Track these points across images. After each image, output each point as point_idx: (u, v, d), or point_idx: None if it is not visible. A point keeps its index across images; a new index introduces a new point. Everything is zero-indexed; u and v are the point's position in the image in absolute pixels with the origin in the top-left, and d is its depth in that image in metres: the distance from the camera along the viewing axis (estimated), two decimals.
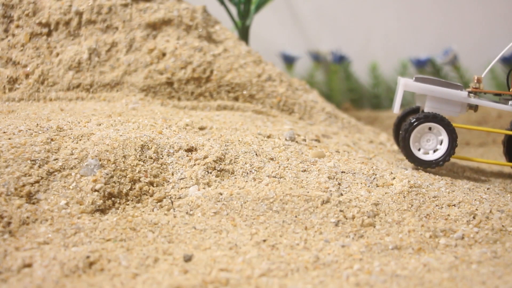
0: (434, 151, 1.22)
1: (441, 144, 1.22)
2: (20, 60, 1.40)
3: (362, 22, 2.37)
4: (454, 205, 1.04)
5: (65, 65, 1.40)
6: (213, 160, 1.08)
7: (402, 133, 1.21)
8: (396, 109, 1.23)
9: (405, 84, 1.22)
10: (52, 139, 1.07)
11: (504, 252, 0.94)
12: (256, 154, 1.12)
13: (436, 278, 0.85)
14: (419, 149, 1.22)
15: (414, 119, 1.21)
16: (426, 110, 1.23)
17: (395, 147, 1.46)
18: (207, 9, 1.55)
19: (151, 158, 1.08)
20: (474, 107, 1.24)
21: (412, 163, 1.22)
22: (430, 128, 1.22)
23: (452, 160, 1.48)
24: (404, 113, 1.38)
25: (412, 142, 1.21)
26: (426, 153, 1.22)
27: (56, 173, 1.01)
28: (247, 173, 1.08)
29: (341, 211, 0.99)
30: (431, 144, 1.22)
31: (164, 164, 1.08)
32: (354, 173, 1.10)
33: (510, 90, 1.23)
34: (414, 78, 1.23)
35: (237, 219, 0.98)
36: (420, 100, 1.26)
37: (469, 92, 1.22)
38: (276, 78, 1.49)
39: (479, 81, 1.23)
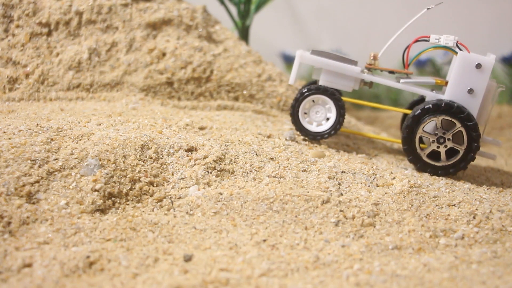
0: (322, 123, 1.25)
1: (329, 117, 1.24)
2: (20, 60, 1.40)
3: (362, 22, 2.37)
4: (454, 205, 1.04)
5: (65, 65, 1.40)
6: (213, 160, 1.08)
7: (292, 102, 1.25)
8: (291, 80, 1.25)
9: (301, 56, 1.24)
10: (52, 139, 1.07)
11: (504, 252, 0.94)
12: (256, 154, 1.12)
13: (436, 278, 0.85)
14: (312, 123, 1.25)
15: (306, 90, 1.23)
16: (320, 83, 1.25)
17: (395, 147, 1.46)
18: (207, 9, 1.55)
19: (151, 158, 1.08)
20: (369, 83, 1.26)
21: (298, 131, 1.25)
22: (314, 101, 1.24)
23: None
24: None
25: (301, 112, 1.24)
26: (318, 124, 1.25)
27: (56, 173, 1.01)
28: (247, 173, 1.08)
29: (341, 211, 0.99)
30: (319, 116, 1.25)
31: (164, 164, 1.08)
32: (354, 173, 1.10)
33: (405, 69, 1.24)
34: (310, 51, 1.24)
35: (237, 219, 0.98)
36: (317, 73, 1.27)
37: (367, 69, 1.25)
38: (276, 78, 1.49)
39: (375, 58, 1.24)
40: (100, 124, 1.16)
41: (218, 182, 1.06)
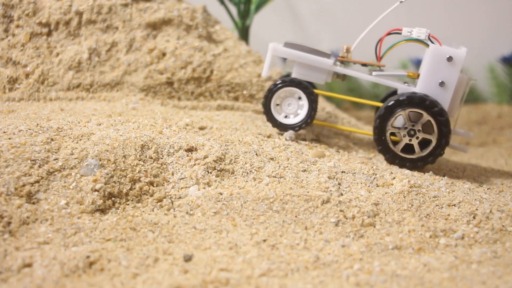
0: (295, 116, 1.25)
1: (301, 109, 1.25)
2: (20, 60, 1.40)
3: (362, 22, 2.37)
4: (454, 205, 1.04)
5: (65, 65, 1.40)
6: (213, 160, 1.08)
7: (265, 94, 1.25)
8: (264, 73, 1.25)
9: (274, 49, 1.24)
10: (52, 139, 1.07)
11: (504, 252, 0.94)
12: (256, 154, 1.12)
13: (436, 278, 0.85)
14: (285, 115, 1.26)
15: (278, 82, 1.24)
16: (293, 75, 1.25)
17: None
18: (207, 9, 1.55)
19: (151, 158, 1.08)
20: (342, 76, 1.26)
21: (270, 123, 1.25)
22: (286, 93, 1.24)
23: (452, 160, 1.48)
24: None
25: (273, 104, 1.25)
26: (287, 116, 1.26)
27: (56, 173, 1.01)
28: (247, 173, 1.08)
29: (341, 211, 0.99)
30: (291, 108, 1.25)
31: (164, 164, 1.08)
32: (354, 173, 1.10)
33: (377, 61, 1.24)
34: (283, 44, 1.24)
35: (237, 219, 0.98)
36: (290, 66, 1.28)
37: (338, 61, 1.25)
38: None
39: (347, 50, 1.25)
40: (100, 124, 1.16)
41: (218, 182, 1.06)
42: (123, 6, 1.46)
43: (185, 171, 1.07)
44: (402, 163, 1.20)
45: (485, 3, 2.35)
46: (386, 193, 1.04)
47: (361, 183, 1.07)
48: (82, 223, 0.95)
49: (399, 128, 1.19)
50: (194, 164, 1.08)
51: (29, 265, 0.85)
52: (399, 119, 1.19)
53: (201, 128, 1.24)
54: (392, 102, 1.18)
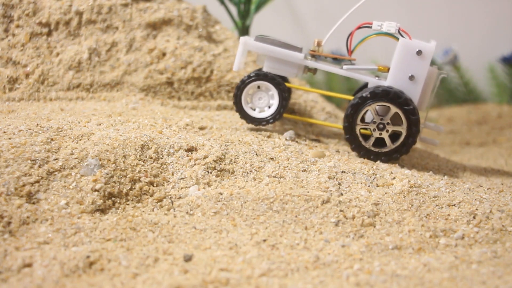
0: (265, 110, 1.25)
1: (272, 103, 1.25)
2: (20, 60, 1.40)
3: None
4: (454, 205, 1.04)
5: (65, 65, 1.40)
6: (213, 160, 1.08)
7: (235, 89, 1.25)
8: (235, 67, 1.25)
9: (245, 43, 1.23)
10: (52, 139, 1.07)
11: (504, 252, 0.94)
12: (256, 154, 1.12)
13: (436, 278, 0.85)
14: (255, 109, 1.26)
15: (247, 77, 1.24)
16: (264, 69, 1.25)
17: None
18: (207, 9, 1.55)
19: (151, 158, 1.08)
20: (313, 70, 1.26)
21: (242, 118, 1.25)
22: (259, 87, 1.25)
23: (452, 160, 1.48)
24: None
25: (244, 98, 1.25)
26: (261, 111, 1.26)
27: (56, 173, 1.01)
28: (247, 173, 1.08)
29: (341, 211, 0.99)
30: (262, 102, 1.25)
31: (164, 164, 1.08)
32: (354, 173, 1.10)
33: (348, 55, 1.24)
34: (254, 38, 1.24)
35: (237, 219, 0.98)
36: (261, 60, 1.27)
37: (311, 55, 1.24)
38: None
39: (318, 44, 1.24)
40: (100, 124, 1.16)
41: (218, 182, 1.06)
42: (123, 6, 1.46)
43: (185, 171, 1.07)
44: (377, 157, 1.20)
45: (485, 3, 2.35)
46: (386, 193, 1.04)
47: (361, 183, 1.07)
48: (82, 223, 0.95)
49: (367, 123, 1.19)
50: (194, 164, 1.08)
51: (29, 265, 0.85)
52: (368, 114, 1.19)
53: (201, 128, 1.24)
54: (358, 99, 1.18)
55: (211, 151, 1.09)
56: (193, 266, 0.86)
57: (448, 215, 1.01)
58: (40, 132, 1.09)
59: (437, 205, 1.03)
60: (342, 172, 1.09)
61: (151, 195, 1.03)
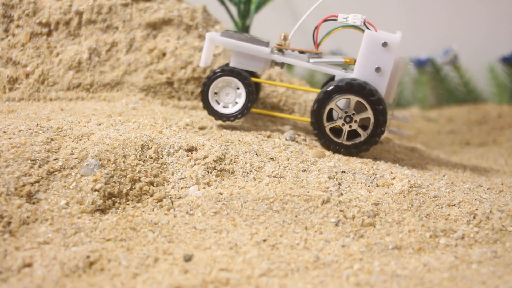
0: (233, 105, 1.25)
1: (239, 98, 1.24)
2: (20, 60, 1.40)
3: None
4: (454, 205, 1.04)
5: (65, 65, 1.40)
6: (213, 160, 1.08)
7: (202, 85, 1.24)
8: (202, 62, 1.24)
9: (211, 39, 1.23)
10: (52, 139, 1.07)
11: (504, 252, 0.94)
12: (256, 154, 1.12)
13: (436, 278, 0.85)
14: (221, 104, 1.25)
15: (213, 73, 1.23)
16: (231, 65, 1.24)
17: (396, 147, 1.46)
18: (207, 9, 1.55)
19: (151, 158, 1.08)
20: (280, 64, 1.26)
21: (209, 114, 1.24)
22: (224, 83, 1.24)
23: (452, 160, 1.48)
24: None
25: (211, 95, 1.24)
26: (225, 106, 1.25)
27: (56, 173, 1.01)
28: (247, 173, 1.08)
29: (341, 211, 0.99)
30: (230, 98, 1.24)
31: (164, 164, 1.08)
32: (354, 173, 1.10)
33: (315, 49, 1.24)
34: (220, 33, 1.24)
35: (237, 219, 0.98)
36: (227, 55, 1.27)
37: (277, 49, 1.24)
38: (276, 78, 1.49)
39: (285, 38, 1.24)
40: (100, 124, 1.16)
41: (218, 182, 1.06)
42: (123, 6, 1.46)
43: (185, 171, 1.07)
44: (347, 150, 1.20)
45: (485, 3, 2.35)
46: (386, 193, 1.04)
47: (361, 183, 1.07)
48: (82, 223, 0.95)
49: (335, 121, 1.19)
50: (194, 164, 1.08)
51: (29, 265, 0.85)
52: (342, 101, 1.19)
53: (201, 128, 1.24)
54: (323, 92, 1.18)
55: (211, 151, 1.09)
56: (193, 266, 0.86)
57: (448, 215, 1.01)
58: (40, 132, 1.09)
59: (437, 205, 1.03)
60: (342, 172, 1.09)
61: (151, 195, 1.03)
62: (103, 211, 0.99)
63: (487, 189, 1.14)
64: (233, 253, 0.90)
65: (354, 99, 1.17)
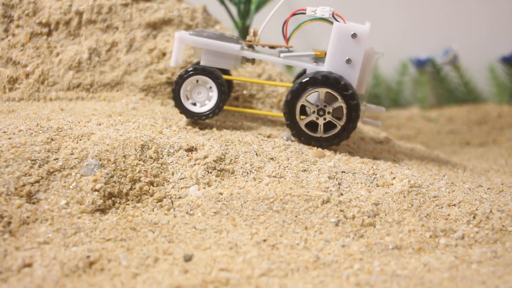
0: (205, 104, 1.24)
1: (211, 97, 1.24)
2: (20, 60, 1.40)
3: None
4: (454, 205, 1.04)
5: (65, 65, 1.40)
6: (213, 160, 1.08)
7: (173, 85, 1.23)
8: (172, 62, 1.23)
9: (180, 38, 1.22)
10: (52, 139, 1.07)
11: (504, 252, 0.94)
12: (256, 154, 1.12)
13: (436, 278, 0.85)
14: (194, 103, 1.24)
15: (185, 71, 1.22)
16: (202, 63, 1.24)
17: (396, 147, 1.46)
18: (207, 9, 1.55)
19: (151, 158, 1.08)
20: (251, 60, 1.26)
21: (182, 114, 1.24)
22: (197, 81, 1.23)
23: (452, 160, 1.48)
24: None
25: (182, 94, 1.23)
26: (202, 105, 1.24)
27: (56, 172, 1.01)
28: (247, 173, 1.08)
29: (341, 211, 0.99)
30: (201, 96, 1.24)
31: (164, 164, 1.08)
32: (354, 173, 1.10)
33: (285, 43, 1.23)
34: (190, 32, 1.24)
35: (237, 219, 0.98)
36: (198, 54, 1.27)
37: (247, 46, 1.24)
38: (276, 78, 1.49)
39: (254, 34, 1.24)
40: (100, 124, 1.16)
41: (218, 182, 1.06)
42: (123, 6, 1.46)
43: (185, 171, 1.07)
44: (327, 143, 1.20)
45: (485, 3, 2.35)
46: (386, 193, 1.04)
47: (361, 183, 1.07)
48: (82, 223, 0.95)
49: (311, 103, 1.19)
50: (194, 164, 1.08)
51: (29, 265, 0.85)
52: (313, 95, 1.19)
53: (201, 128, 1.24)
54: (297, 86, 1.18)
55: (211, 151, 1.09)
56: (193, 266, 0.86)
57: (448, 215, 1.01)
58: (40, 132, 1.09)
59: (437, 205, 1.03)
60: (342, 172, 1.09)
61: (151, 195, 1.03)
62: (103, 211, 0.99)
63: (487, 189, 1.14)
64: (233, 253, 0.90)
65: (323, 91, 1.17)
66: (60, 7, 1.43)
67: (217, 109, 1.23)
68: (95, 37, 1.43)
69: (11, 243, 0.89)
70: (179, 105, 1.23)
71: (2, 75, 1.39)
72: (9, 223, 0.93)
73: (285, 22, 1.22)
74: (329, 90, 1.17)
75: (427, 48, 2.33)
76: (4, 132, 1.08)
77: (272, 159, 1.12)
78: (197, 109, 1.24)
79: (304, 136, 1.20)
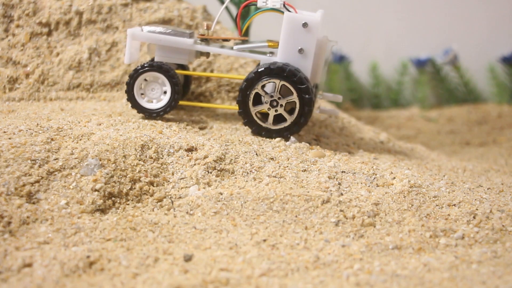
0: (159, 101, 1.24)
1: (165, 93, 1.23)
2: (20, 59, 1.40)
3: (362, 22, 2.37)
4: (454, 205, 1.04)
5: (65, 64, 1.40)
6: (213, 160, 1.08)
7: (127, 79, 1.22)
8: (126, 60, 1.23)
9: (133, 34, 1.22)
10: (52, 139, 1.07)
11: (504, 252, 0.94)
12: (256, 154, 1.12)
13: (436, 278, 0.85)
14: (149, 100, 1.24)
15: (140, 66, 1.22)
16: (156, 59, 1.23)
17: (396, 147, 1.46)
18: (207, 9, 1.55)
19: (151, 157, 1.08)
20: (206, 54, 1.26)
21: (136, 110, 1.23)
22: (147, 79, 1.23)
23: (452, 160, 1.48)
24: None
25: (136, 89, 1.22)
26: (151, 101, 1.24)
27: (56, 172, 1.01)
28: (247, 173, 1.08)
29: (341, 211, 0.99)
30: (155, 93, 1.23)
31: (164, 164, 1.08)
32: (355, 172, 1.10)
33: (240, 35, 1.23)
34: (142, 28, 1.23)
35: (237, 218, 0.98)
36: (151, 50, 1.26)
37: (200, 40, 1.23)
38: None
39: (208, 27, 1.23)
40: (100, 124, 1.16)
41: (218, 182, 1.06)
42: (123, 6, 1.46)
43: (185, 171, 1.07)
44: (277, 135, 1.20)
45: (485, 3, 2.35)
46: (386, 193, 1.04)
47: (361, 183, 1.07)
48: (82, 223, 0.95)
49: (266, 92, 1.18)
50: (194, 164, 1.08)
51: (29, 265, 0.85)
52: (269, 85, 1.18)
53: (201, 128, 1.24)
54: (251, 76, 1.17)
55: (211, 151, 1.09)
56: (193, 266, 0.86)
57: (448, 215, 1.01)
58: (40, 132, 1.09)
59: (437, 205, 1.03)
60: (342, 172, 1.09)
61: (151, 195, 1.03)
62: (103, 211, 0.99)
63: (487, 189, 1.14)
64: (233, 253, 0.90)
65: (279, 83, 1.16)
66: (60, 7, 1.43)
67: (169, 107, 1.22)
68: (95, 37, 1.43)
69: (11, 243, 0.90)
70: (132, 100, 1.22)
71: (2, 75, 1.39)
72: (9, 223, 0.93)
73: (237, 15, 1.22)
74: (284, 83, 1.16)
75: (427, 48, 2.33)
76: (4, 132, 1.08)
77: (272, 159, 1.12)
78: (149, 105, 1.23)
79: (256, 125, 1.20)
